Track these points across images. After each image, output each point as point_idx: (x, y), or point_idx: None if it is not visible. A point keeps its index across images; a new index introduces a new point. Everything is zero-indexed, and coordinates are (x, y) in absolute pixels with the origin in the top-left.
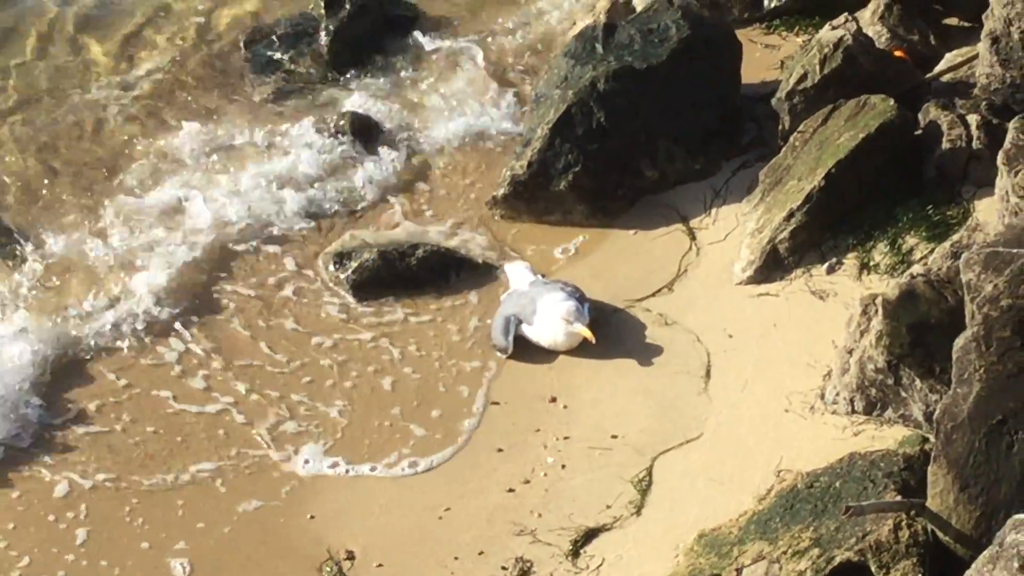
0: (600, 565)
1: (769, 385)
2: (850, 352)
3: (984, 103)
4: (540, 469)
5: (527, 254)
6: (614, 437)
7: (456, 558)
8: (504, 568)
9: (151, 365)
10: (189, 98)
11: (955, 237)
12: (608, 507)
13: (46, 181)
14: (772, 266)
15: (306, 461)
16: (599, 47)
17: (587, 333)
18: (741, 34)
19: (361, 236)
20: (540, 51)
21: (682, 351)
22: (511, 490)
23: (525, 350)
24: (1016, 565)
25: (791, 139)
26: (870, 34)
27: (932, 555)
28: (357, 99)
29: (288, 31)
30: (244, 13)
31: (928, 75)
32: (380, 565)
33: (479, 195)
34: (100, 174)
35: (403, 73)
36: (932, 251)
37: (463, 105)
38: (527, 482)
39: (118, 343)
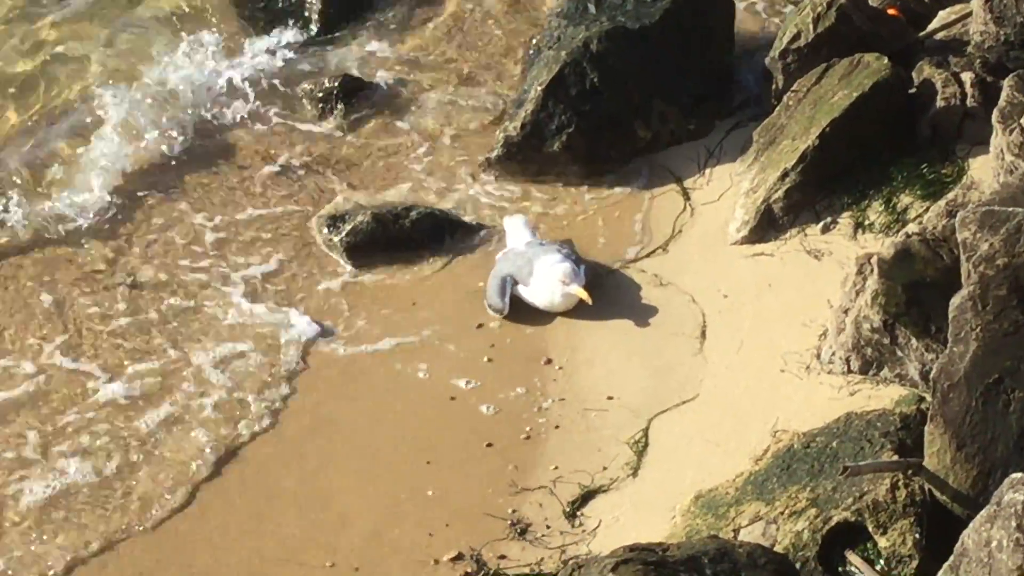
0: (597, 527)
1: (764, 345)
2: (846, 311)
3: (978, 61)
4: (536, 430)
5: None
6: (610, 399)
7: (447, 524)
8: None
9: None
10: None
11: (950, 195)
12: (604, 469)
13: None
14: (767, 226)
15: None
16: (591, 7)
17: (583, 294)
18: None
19: (354, 198)
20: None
21: (677, 312)
22: (507, 450)
23: (520, 311)
24: (1014, 524)
25: (785, 98)
26: None
27: (929, 514)
28: (350, 59)
29: None
30: None
31: (922, 33)
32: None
33: (474, 156)
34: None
35: (396, 33)
36: (927, 210)
37: (458, 64)
38: (522, 443)
39: None
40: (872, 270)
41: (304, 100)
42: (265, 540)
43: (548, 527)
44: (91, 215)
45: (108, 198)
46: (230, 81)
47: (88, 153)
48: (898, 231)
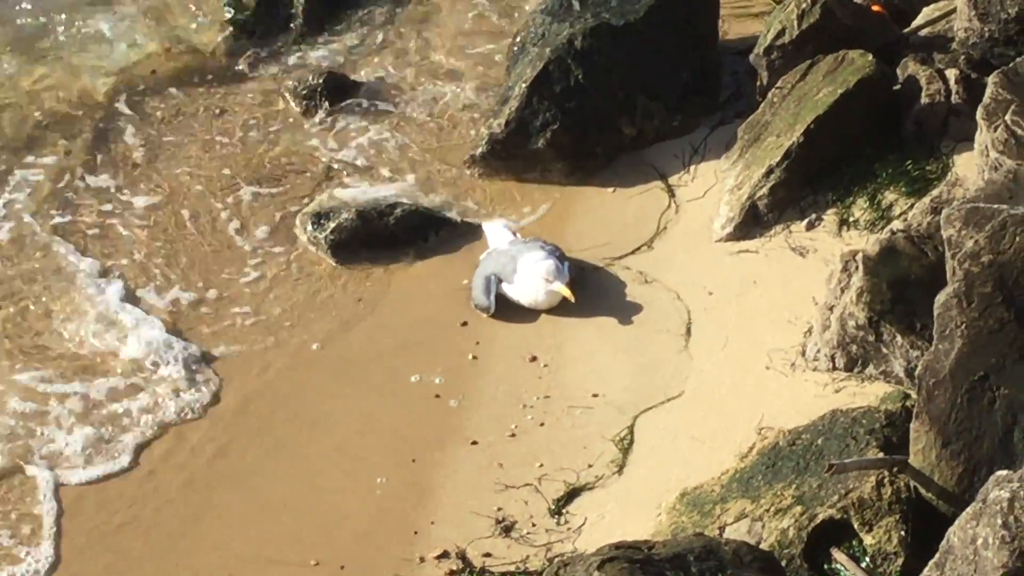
0: (582, 524)
1: (750, 342)
2: (831, 309)
3: (963, 57)
4: (521, 428)
5: (504, 213)
6: (595, 396)
7: (433, 522)
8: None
9: None
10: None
11: (935, 192)
12: (590, 466)
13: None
14: (751, 223)
15: None
16: (576, 3)
17: (567, 292)
18: None
19: (339, 196)
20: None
21: (662, 309)
22: (492, 448)
23: (505, 309)
24: (999, 521)
25: (769, 95)
26: None
27: (915, 511)
28: (333, 59)
29: None
30: None
31: (906, 30)
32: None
33: (458, 154)
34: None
35: (381, 31)
36: (912, 206)
37: (443, 61)
38: (507, 441)
39: None
40: (857, 267)
41: (288, 97)
42: (250, 539)
43: (533, 525)
44: None
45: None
46: (215, 78)
47: None
48: (883, 228)
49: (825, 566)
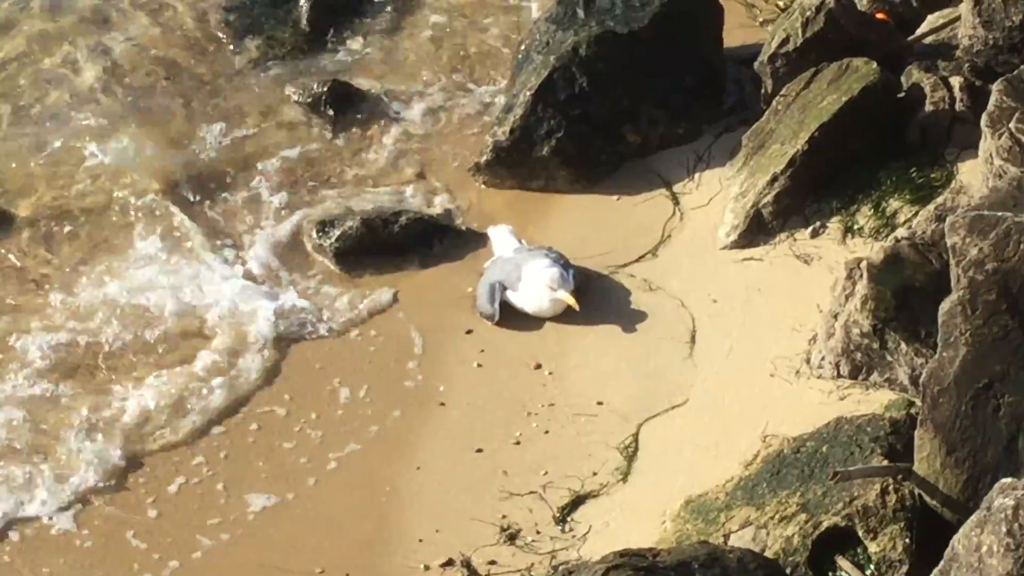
0: (587, 532)
1: (754, 350)
2: (835, 316)
3: (967, 65)
4: (525, 436)
5: (509, 221)
6: (600, 404)
7: (437, 530)
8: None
9: None
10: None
11: (939, 200)
12: (595, 474)
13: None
14: (756, 230)
15: None
16: (580, 12)
17: (571, 300)
18: None
19: (344, 204)
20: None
21: (667, 317)
22: (496, 456)
23: (510, 316)
24: (1004, 529)
25: (774, 103)
26: None
27: (919, 519)
28: (338, 65)
29: None
30: None
31: (910, 38)
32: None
33: (462, 162)
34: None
35: (385, 38)
36: (916, 214)
37: (448, 68)
38: (512, 449)
39: None
40: (861, 275)
41: (293, 105)
42: (254, 547)
43: (538, 532)
44: None
45: None
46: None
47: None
48: (887, 236)
49: (830, 574)
